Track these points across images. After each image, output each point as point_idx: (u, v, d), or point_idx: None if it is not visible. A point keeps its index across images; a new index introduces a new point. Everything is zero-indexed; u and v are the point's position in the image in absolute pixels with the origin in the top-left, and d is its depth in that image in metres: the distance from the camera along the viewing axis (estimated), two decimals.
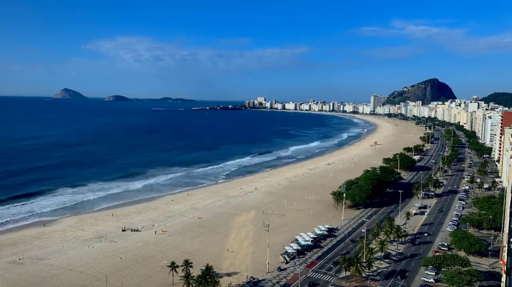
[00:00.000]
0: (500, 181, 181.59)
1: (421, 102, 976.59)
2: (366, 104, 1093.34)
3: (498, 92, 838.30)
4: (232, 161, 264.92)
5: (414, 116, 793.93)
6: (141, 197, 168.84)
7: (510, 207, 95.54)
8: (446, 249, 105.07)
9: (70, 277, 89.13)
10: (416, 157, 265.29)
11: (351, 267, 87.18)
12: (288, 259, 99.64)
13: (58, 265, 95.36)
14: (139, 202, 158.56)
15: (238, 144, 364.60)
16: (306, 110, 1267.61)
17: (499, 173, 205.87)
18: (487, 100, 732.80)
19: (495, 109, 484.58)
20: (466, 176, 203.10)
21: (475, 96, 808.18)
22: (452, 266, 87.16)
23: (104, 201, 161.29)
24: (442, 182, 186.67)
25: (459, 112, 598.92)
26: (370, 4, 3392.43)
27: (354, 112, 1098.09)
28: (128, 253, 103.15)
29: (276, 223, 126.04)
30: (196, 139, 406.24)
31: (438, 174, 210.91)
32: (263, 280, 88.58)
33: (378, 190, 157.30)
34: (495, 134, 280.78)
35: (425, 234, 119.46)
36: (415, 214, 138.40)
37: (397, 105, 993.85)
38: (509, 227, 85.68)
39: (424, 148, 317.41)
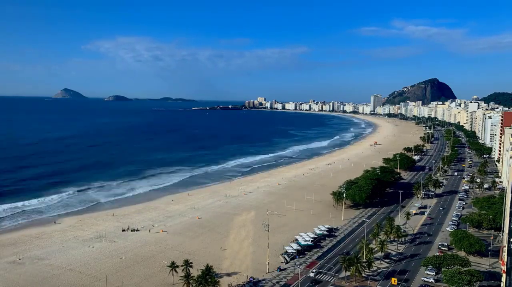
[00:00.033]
0: (500, 181, 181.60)
1: (421, 102, 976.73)
2: (366, 104, 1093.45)
3: (498, 92, 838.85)
4: (232, 161, 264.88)
5: (414, 116, 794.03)
6: (141, 197, 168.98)
7: (510, 207, 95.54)
8: (446, 249, 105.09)
9: (70, 277, 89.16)
10: (416, 157, 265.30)
11: (351, 267, 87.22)
12: (288, 259, 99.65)
13: (58, 265, 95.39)
14: (139, 202, 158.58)
15: (238, 144, 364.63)
16: (306, 110, 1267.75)
17: (499, 173, 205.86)
18: (487, 100, 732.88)
19: (495, 109, 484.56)
20: (466, 176, 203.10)
21: (475, 96, 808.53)
22: (452, 266, 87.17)
23: (104, 201, 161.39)
24: (442, 182, 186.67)
25: (459, 112, 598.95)
26: (370, 4, 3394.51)
27: (354, 112, 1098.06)
28: (128, 253, 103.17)
29: (276, 223, 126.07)
30: (197, 139, 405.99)
31: (438, 174, 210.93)
32: (263, 280, 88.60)
33: (378, 190, 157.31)
34: (495, 134, 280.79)
35: (425, 234, 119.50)
36: (415, 214, 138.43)
37: (397, 105, 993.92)
38: (509, 227, 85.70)
39: (424, 148, 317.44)
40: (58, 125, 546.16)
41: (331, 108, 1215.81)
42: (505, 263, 73.54)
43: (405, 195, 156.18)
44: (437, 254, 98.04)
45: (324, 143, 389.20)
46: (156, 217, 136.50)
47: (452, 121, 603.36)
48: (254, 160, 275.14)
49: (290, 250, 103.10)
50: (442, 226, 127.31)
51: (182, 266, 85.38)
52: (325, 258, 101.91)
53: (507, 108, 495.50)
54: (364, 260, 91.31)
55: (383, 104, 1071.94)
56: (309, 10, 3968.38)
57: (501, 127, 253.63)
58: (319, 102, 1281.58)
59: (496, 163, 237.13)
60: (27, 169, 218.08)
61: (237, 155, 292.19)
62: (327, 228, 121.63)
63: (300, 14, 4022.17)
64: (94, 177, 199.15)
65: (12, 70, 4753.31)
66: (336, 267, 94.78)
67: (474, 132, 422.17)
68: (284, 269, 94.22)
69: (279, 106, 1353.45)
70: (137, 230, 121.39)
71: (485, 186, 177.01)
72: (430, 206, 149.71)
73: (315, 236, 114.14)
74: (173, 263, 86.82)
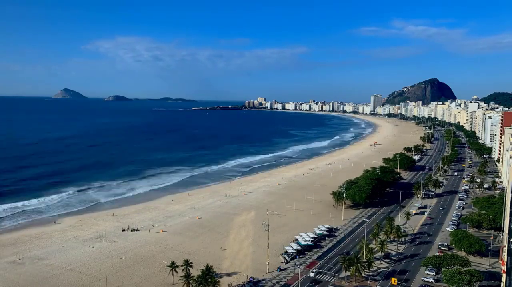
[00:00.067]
0: (500, 181, 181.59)
1: (421, 102, 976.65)
2: (366, 104, 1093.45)
3: (498, 92, 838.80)
4: (232, 161, 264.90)
5: (414, 116, 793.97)
6: (141, 197, 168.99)
7: (510, 207, 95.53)
8: (446, 249, 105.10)
9: (70, 277, 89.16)
10: (416, 157, 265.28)
11: (351, 267, 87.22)
12: (288, 259, 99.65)
13: (58, 265, 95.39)
14: (139, 202, 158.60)
15: (238, 144, 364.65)
16: (306, 110, 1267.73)
17: (499, 173, 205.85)
18: (487, 100, 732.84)
19: (495, 109, 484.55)
20: (466, 176, 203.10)
21: (475, 96, 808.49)
22: (452, 266, 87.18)
23: (104, 201, 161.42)
24: (442, 182, 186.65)
25: (459, 112, 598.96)
26: (370, 4, 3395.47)
27: (354, 112, 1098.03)
28: (128, 253, 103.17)
29: (276, 223, 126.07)
30: (197, 139, 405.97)
31: (438, 174, 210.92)
32: (263, 280, 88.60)
33: (378, 190, 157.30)
34: (495, 134, 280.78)
35: (425, 234, 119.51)
36: (415, 214, 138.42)
37: (397, 105, 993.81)
38: (509, 227, 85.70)
39: (424, 148, 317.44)
40: (58, 125, 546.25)
41: (331, 108, 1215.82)
42: (505, 263, 73.54)
43: (405, 195, 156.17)
44: (437, 254, 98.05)
45: (324, 143, 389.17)
46: (156, 217, 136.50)
47: (452, 121, 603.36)
48: (254, 160, 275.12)
49: (290, 250, 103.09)
50: (442, 226, 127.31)
51: (182, 266, 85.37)
52: (325, 258, 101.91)
53: (507, 108, 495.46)
54: (364, 260, 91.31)
55: (383, 104, 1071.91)
56: (309, 10, 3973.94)
57: (501, 127, 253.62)
58: (319, 102, 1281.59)
59: (496, 163, 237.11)
60: (27, 169, 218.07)
61: (237, 155, 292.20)
62: (327, 228, 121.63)
63: (300, 14, 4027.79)
64: (94, 177, 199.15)
65: (12, 70, 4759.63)
66: (336, 267, 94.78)
67: (474, 132, 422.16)
68: (284, 269, 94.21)
69: (279, 106, 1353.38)
70: (137, 230, 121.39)
71: (485, 186, 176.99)
72: (430, 206, 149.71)
73: (315, 236, 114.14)
74: (173, 263, 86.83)
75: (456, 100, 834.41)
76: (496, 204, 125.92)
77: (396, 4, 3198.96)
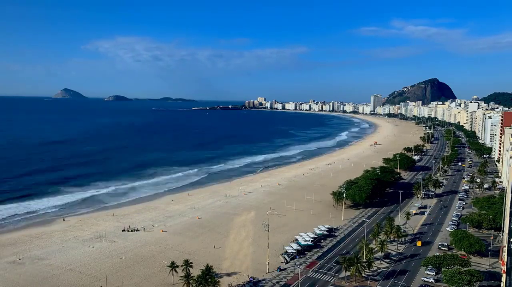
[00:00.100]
0: (500, 181, 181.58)
1: (421, 102, 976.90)
2: (366, 104, 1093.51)
3: (498, 92, 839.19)
4: (232, 161, 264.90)
5: (414, 116, 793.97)
6: (141, 197, 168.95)
7: (510, 207, 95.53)
8: (446, 249, 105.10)
9: (70, 277, 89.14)
10: (416, 157, 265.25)
11: (351, 267, 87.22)
12: (288, 259, 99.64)
13: (58, 265, 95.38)
14: (139, 202, 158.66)
15: (238, 144, 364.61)
16: (306, 110, 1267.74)
17: (499, 173, 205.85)
18: (487, 100, 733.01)
19: (495, 109, 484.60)
20: (466, 176, 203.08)
21: (475, 96, 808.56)
22: (452, 266, 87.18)
23: (104, 201, 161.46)
24: (442, 182, 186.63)
25: (459, 112, 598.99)
26: (370, 4, 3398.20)
27: (354, 112, 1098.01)
28: (128, 253, 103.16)
29: (276, 223, 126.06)
30: (197, 139, 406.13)
31: (438, 174, 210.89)
32: (263, 280, 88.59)
33: (378, 190, 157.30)
34: (495, 134, 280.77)
35: (425, 234, 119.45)
36: (415, 214, 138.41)
37: (397, 105, 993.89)
38: (509, 227, 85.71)
39: (424, 148, 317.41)
40: (58, 125, 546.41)
41: (331, 108, 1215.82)
42: (505, 263, 73.55)
43: (405, 195, 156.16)
44: (437, 254, 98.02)
45: (324, 143, 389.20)
46: (156, 217, 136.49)
47: (452, 121, 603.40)
48: (254, 160, 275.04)
49: (290, 250, 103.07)
50: (442, 226, 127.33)
51: (182, 266, 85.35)
52: (325, 258, 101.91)
53: (507, 108, 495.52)
54: (364, 260, 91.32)
55: (383, 104, 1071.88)
56: (309, 10, 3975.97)
57: (501, 127, 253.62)
58: (319, 102, 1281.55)
59: (496, 163, 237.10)
60: (27, 169, 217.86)
61: (237, 155, 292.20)
62: (327, 228, 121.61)
63: (299, 14, 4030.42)
64: (94, 177, 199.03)
65: (12, 70, 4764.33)
66: (336, 267, 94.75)
67: (474, 132, 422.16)
68: (284, 269, 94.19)
69: (279, 106, 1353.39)
70: (137, 230, 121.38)
71: (485, 186, 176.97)
72: (430, 206, 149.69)
73: (315, 236, 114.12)
74: (173, 263, 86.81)
75: (456, 100, 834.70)
76: (496, 204, 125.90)
77: (396, 4, 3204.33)
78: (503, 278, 72.82)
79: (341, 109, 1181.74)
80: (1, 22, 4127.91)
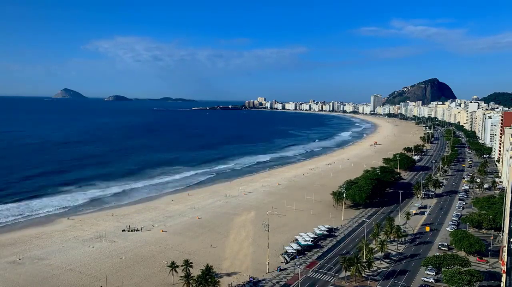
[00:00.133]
0: (500, 181, 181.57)
1: (421, 102, 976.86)
2: (366, 104, 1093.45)
3: (498, 92, 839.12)
4: (232, 161, 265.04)
5: (414, 116, 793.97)
6: (141, 197, 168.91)
7: (510, 207, 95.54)
8: (446, 249, 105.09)
9: (70, 277, 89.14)
10: (416, 157, 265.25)
11: (351, 267, 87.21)
12: (288, 259, 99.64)
13: (58, 265, 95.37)
14: (139, 202, 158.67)
15: (238, 144, 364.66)
16: (306, 110, 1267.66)
17: (499, 173, 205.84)
18: (487, 100, 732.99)
19: (495, 109, 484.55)
20: (466, 176, 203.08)
21: (475, 96, 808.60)
22: (452, 266, 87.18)
23: (104, 201, 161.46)
24: (442, 182, 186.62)
25: (459, 112, 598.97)
26: (369, 4, 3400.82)
27: (354, 112, 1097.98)
28: (128, 253, 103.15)
29: (276, 223, 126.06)
30: (197, 139, 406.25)
31: (438, 174, 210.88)
32: (263, 280, 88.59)
33: (378, 190, 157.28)
34: (495, 134, 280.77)
35: (425, 234, 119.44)
36: (415, 214, 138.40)
37: (397, 105, 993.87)
38: (509, 227, 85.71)
39: (424, 148, 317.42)
40: (58, 125, 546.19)
41: (331, 108, 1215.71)
42: (505, 263, 73.55)
43: (405, 195, 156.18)
44: (437, 254, 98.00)
45: (324, 143, 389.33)
46: (156, 217, 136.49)
47: (452, 121, 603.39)
48: (254, 160, 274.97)
49: (290, 250, 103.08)
50: (442, 226, 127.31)
51: (182, 266, 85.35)
52: (325, 258, 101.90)
53: (507, 108, 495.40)
54: (364, 260, 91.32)
55: (383, 104, 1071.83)
56: (309, 10, 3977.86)
57: (501, 127, 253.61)
58: (319, 102, 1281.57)
59: (496, 163, 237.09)
60: (26, 169, 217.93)
61: (237, 155, 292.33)
62: (327, 228, 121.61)
63: (299, 14, 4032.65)
64: (94, 177, 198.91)
65: (12, 70, 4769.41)
66: (336, 267, 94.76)
67: (474, 132, 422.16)
68: (284, 269, 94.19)
69: (279, 106, 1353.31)
70: (137, 230, 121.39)
71: (485, 186, 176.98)
72: (430, 206, 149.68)
73: (315, 236, 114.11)
74: (173, 263, 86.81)
75: (456, 100, 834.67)
76: (496, 204, 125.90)
77: (396, 4, 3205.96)
78: (503, 278, 72.82)
79: (341, 109, 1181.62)
80: (1, 22, 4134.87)
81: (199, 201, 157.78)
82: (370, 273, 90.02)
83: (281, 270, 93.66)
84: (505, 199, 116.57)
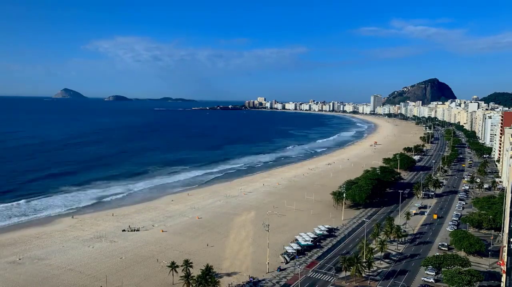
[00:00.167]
0: (500, 181, 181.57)
1: (421, 102, 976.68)
2: (366, 104, 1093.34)
3: (498, 92, 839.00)
4: (233, 161, 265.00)
5: (414, 116, 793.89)
6: (141, 197, 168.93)
7: (510, 207, 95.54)
8: (446, 249, 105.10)
9: (70, 277, 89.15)
10: (416, 157, 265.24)
11: (351, 267, 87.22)
12: (288, 259, 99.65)
13: (58, 265, 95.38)
14: (139, 202, 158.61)
15: (238, 144, 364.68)
16: (306, 110, 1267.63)
17: (499, 173, 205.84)
18: (487, 100, 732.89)
19: (495, 109, 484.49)
20: (466, 176, 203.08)
21: (475, 96, 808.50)
22: (452, 266, 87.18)
23: (104, 201, 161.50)
24: (442, 182, 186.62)
25: (459, 112, 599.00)
26: (369, 4, 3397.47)
27: (354, 112, 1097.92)
28: (128, 253, 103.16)
29: (276, 223, 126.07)
30: (197, 139, 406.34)
31: (438, 174, 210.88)
32: (263, 280, 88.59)
33: (378, 190, 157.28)
34: (495, 134, 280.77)
35: (425, 234, 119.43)
36: (415, 214, 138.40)
37: (397, 105, 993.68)
38: (509, 227, 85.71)
39: (424, 148, 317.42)
40: (58, 125, 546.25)
41: (331, 108, 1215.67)
42: (505, 263, 73.54)
43: (405, 195, 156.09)
44: (437, 254, 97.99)
45: (324, 143, 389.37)
46: (156, 217, 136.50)
47: (452, 121, 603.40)
48: (254, 160, 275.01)
49: (290, 250, 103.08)
50: (442, 226, 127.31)
51: (182, 266, 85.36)
52: (325, 258, 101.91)
53: (507, 108, 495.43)
54: (364, 260, 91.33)
55: (383, 104, 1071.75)
56: (309, 10, 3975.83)
57: (501, 127, 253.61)
58: (319, 102, 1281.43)
59: (496, 163, 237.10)
60: (26, 168, 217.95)
61: (237, 155, 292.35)
62: (327, 228, 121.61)
63: (299, 14, 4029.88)
64: (94, 177, 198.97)
65: (12, 70, 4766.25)
66: (336, 267, 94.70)
67: (474, 132, 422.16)
68: (284, 269, 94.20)
69: (279, 106, 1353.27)
70: (137, 230, 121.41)
71: (485, 186, 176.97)
72: (430, 206, 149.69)
73: (315, 236, 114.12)
74: (173, 263, 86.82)
75: (456, 100, 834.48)
76: (496, 204, 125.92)
77: (396, 4, 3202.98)
78: (503, 278, 72.81)
79: (341, 109, 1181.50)
80: (1, 22, 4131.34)
81: (199, 201, 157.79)
82: (370, 273, 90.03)
83: (281, 270, 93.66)
84: (505, 199, 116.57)
